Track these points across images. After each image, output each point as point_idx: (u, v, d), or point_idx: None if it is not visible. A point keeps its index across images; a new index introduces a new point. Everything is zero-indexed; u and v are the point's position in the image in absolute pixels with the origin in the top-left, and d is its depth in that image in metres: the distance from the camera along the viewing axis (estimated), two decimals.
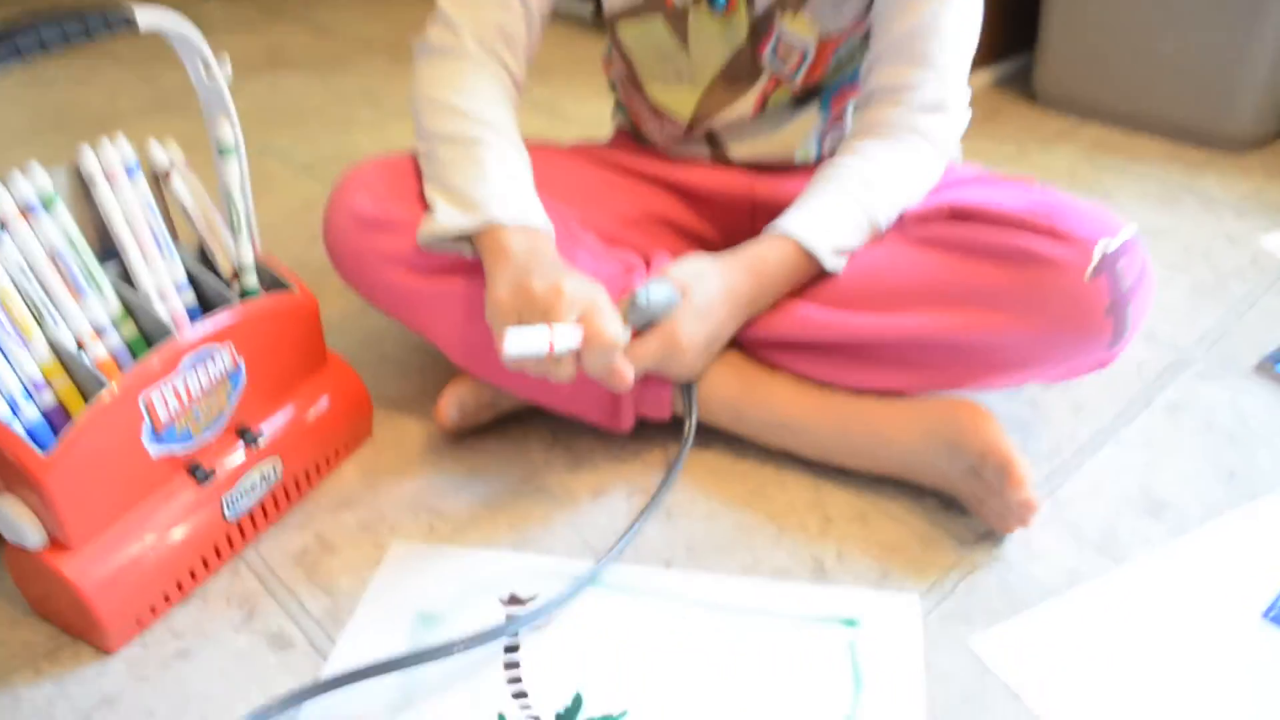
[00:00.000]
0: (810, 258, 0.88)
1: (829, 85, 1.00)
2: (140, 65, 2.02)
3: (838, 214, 0.89)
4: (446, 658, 0.74)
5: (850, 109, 1.03)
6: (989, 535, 0.88)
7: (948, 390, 0.89)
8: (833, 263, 0.88)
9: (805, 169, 1.03)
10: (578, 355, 0.77)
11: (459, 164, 0.88)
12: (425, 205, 0.90)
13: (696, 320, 0.85)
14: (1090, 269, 0.79)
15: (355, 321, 1.18)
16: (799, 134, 1.01)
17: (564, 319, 0.76)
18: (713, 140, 1.03)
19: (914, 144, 0.92)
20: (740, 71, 0.97)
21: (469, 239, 0.86)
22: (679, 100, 0.99)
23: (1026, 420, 1.01)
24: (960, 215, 0.87)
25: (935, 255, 0.86)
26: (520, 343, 0.74)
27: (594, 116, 1.20)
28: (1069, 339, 0.82)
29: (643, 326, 0.84)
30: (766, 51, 0.96)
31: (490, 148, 0.88)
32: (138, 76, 1.97)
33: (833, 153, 1.02)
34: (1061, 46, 1.71)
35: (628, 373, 0.79)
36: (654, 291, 0.82)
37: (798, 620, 0.80)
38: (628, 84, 1.05)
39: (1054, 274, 0.80)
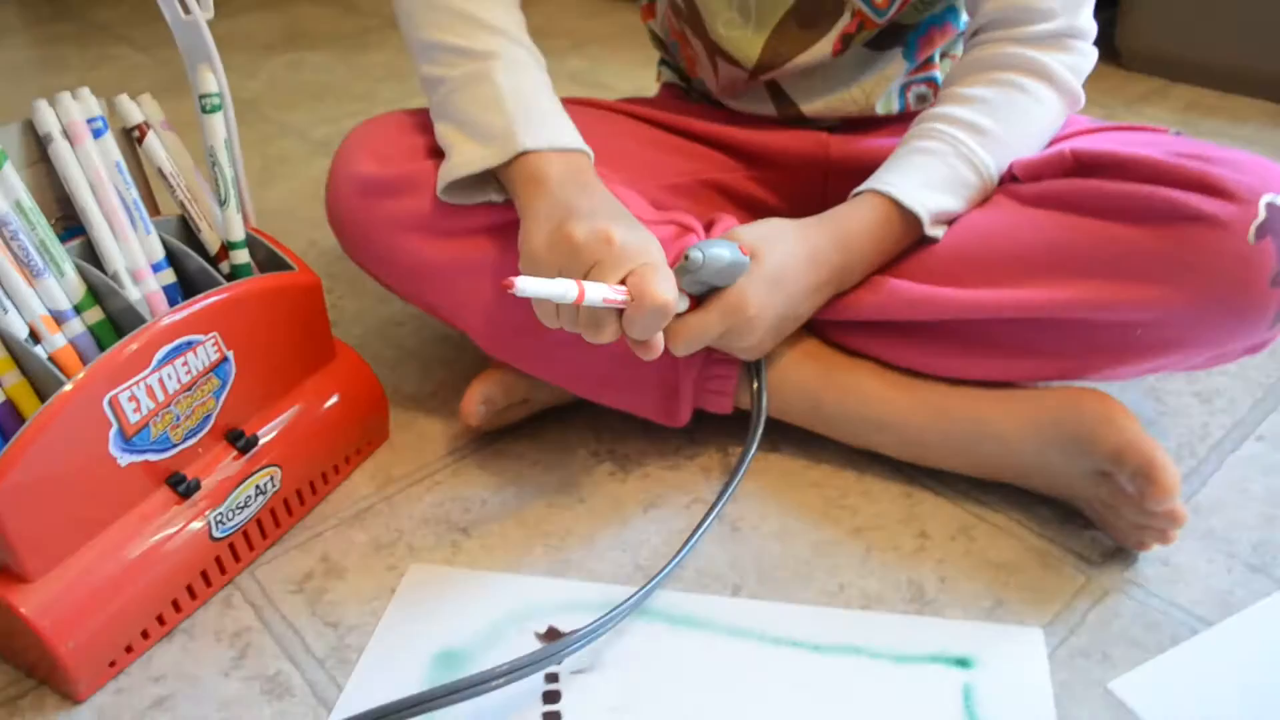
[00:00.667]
0: (909, 222, 0.74)
1: (915, 26, 0.86)
2: (155, 49, 1.92)
3: (941, 170, 0.75)
4: (475, 696, 0.61)
5: (937, 56, 0.89)
6: (1119, 553, 0.73)
7: (1068, 380, 0.75)
8: (934, 229, 0.74)
9: (888, 125, 0.89)
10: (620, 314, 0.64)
11: (470, 88, 0.74)
12: (440, 155, 0.77)
13: (768, 289, 0.71)
14: (1254, 229, 0.65)
15: (371, 310, 1.05)
16: (879, 83, 0.87)
17: (612, 276, 0.63)
18: (777, 94, 0.89)
19: (1034, 88, 0.77)
20: (817, 7, 0.83)
21: (495, 179, 0.74)
22: (744, 41, 0.85)
23: (1147, 413, 0.86)
24: (1087, 166, 0.72)
25: (1056, 216, 0.71)
26: (538, 287, 0.60)
27: (637, 89, 1.06)
28: (1225, 316, 0.67)
29: (703, 294, 0.70)
30: None
31: (504, 61, 0.74)
32: (154, 60, 1.87)
33: (919, 107, 0.87)
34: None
35: (668, 344, 0.67)
36: (712, 251, 0.67)
37: (897, 660, 0.66)
38: (683, 23, 0.90)
39: (1209, 236, 0.65)
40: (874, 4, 0.82)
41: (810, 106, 0.88)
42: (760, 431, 0.77)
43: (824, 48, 0.84)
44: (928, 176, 0.74)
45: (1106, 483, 0.71)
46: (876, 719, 0.62)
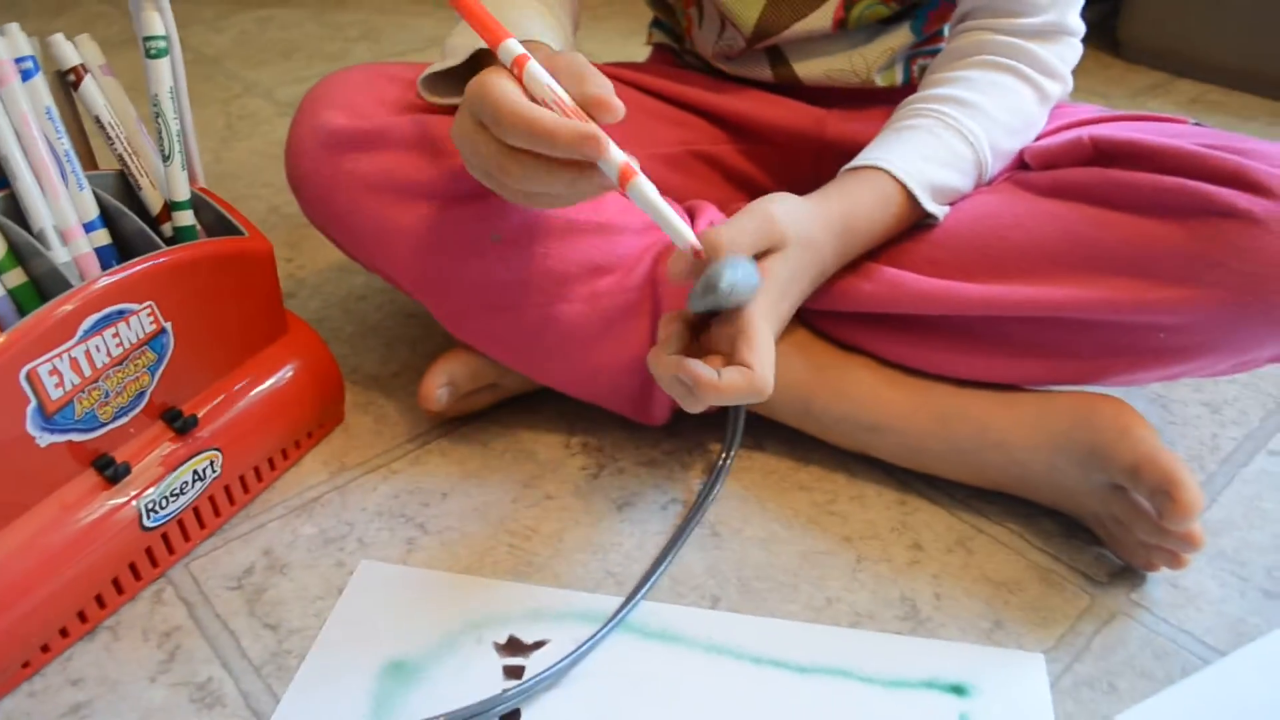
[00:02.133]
0: (909, 201, 0.68)
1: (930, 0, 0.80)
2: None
3: (931, 143, 0.69)
4: None
5: (946, 30, 0.83)
6: (1125, 572, 0.68)
7: (1081, 385, 0.69)
8: (933, 205, 0.68)
9: (888, 103, 0.83)
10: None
11: (466, 30, 0.69)
12: (414, 108, 0.72)
13: (777, 300, 0.63)
14: None
15: (333, 283, 0.98)
16: (882, 54, 0.81)
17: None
18: (775, 55, 0.82)
19: (1018, 69, 0.72)
20: None
21: None
22: (742, 5, 0.78)
23: (1151, 423, 0.81)
24: (1108, 155, 0.66)
25: (1077, 207, 0.66)
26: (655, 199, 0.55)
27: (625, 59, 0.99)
28: (1257, 320, 0.61)
29: (706, 310, 0.61)
30: None
31: (507, 6, 0.68)
32: (120, 10, 1.78)
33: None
34: None
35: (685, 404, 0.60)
36: (740, 274, 0.57)
37: (889, 685, 0.61)
38: None
39: (1244, 233, 0.60)
40: None
41: (806, 71, 0.82)
42: (739, 433, 0.72)
43: (822, 18, 0.77)
44: (920, 151, 0.68)
45: (1120, 498, 0.65)
46: None
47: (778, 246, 0.63)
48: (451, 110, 0.70)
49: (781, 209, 0.64)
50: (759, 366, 0.57)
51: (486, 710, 0.57)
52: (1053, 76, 0.73)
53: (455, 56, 0.67)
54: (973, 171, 0.70)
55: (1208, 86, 1.49)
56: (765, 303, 0.61)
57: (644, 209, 0.56)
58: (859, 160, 0.69)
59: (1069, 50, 0.74)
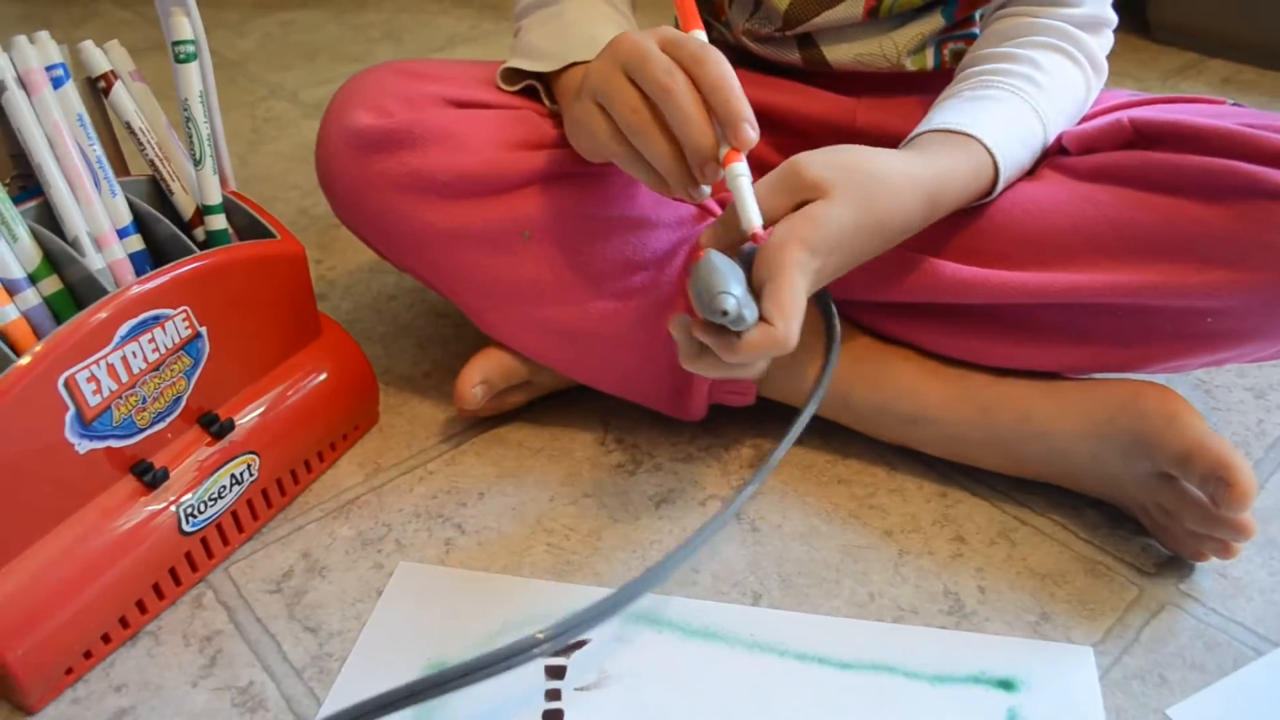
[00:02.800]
0: (993, 176, 0.65)
1: None
2: (143, 6, 1.83)
3: (1016, 121, 0.66)
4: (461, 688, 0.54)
5: (977, 15, 0.81)
6: (1173, 562, 0.67)
7: (1126, 371, 0.68)
8: (1004, 184, 0.66)
9: (919, 91, 0.82)
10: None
11: (538, 27, 0.73)
12: (442, 108, 0.72)
13: (820, 253, 0.57)
14: None
15: (364, 284, 0.98)
16: (913, 38, 0.79)
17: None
18: (804, 39, 0.81)
19: (1072, 52, 0.70)
20: None
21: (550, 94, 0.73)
22: None
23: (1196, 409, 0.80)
24: (1149, 138, 0.65)
25: (1118, 191, 0.64)
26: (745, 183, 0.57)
27: None
28: None
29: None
30: None
31: (576, 5, 0.73)
32: (143, 19, 1.79)
33: (954, 66, 0.80)
34: None
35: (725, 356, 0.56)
36: (749, 312, 0.54)
37: (934, 680, 0.60)
38: None
39: None
40: None
41: (835, 55, 0.80)
42: (824, 390, 0.66)
43: (853, 7, 0.76)
44: (1005, 124, 0.65)
45: (1168, 487, 0.64)
46: None
47: (814, 195, 0.58)
48: (496, 105, 0.72)
49: (820, 158, 0.60)
50: (781, 321, 0.53)
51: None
52: (1096, 66, 0.72)
53: (548, 62, 0.70)
54: (1039, 152, 0.69)
55: (1240, 66, 1.47)
56: (802, 252, 0.56)
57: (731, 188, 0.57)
58: (943, 123, 0.65)
59: (1107, 42, 0.73)
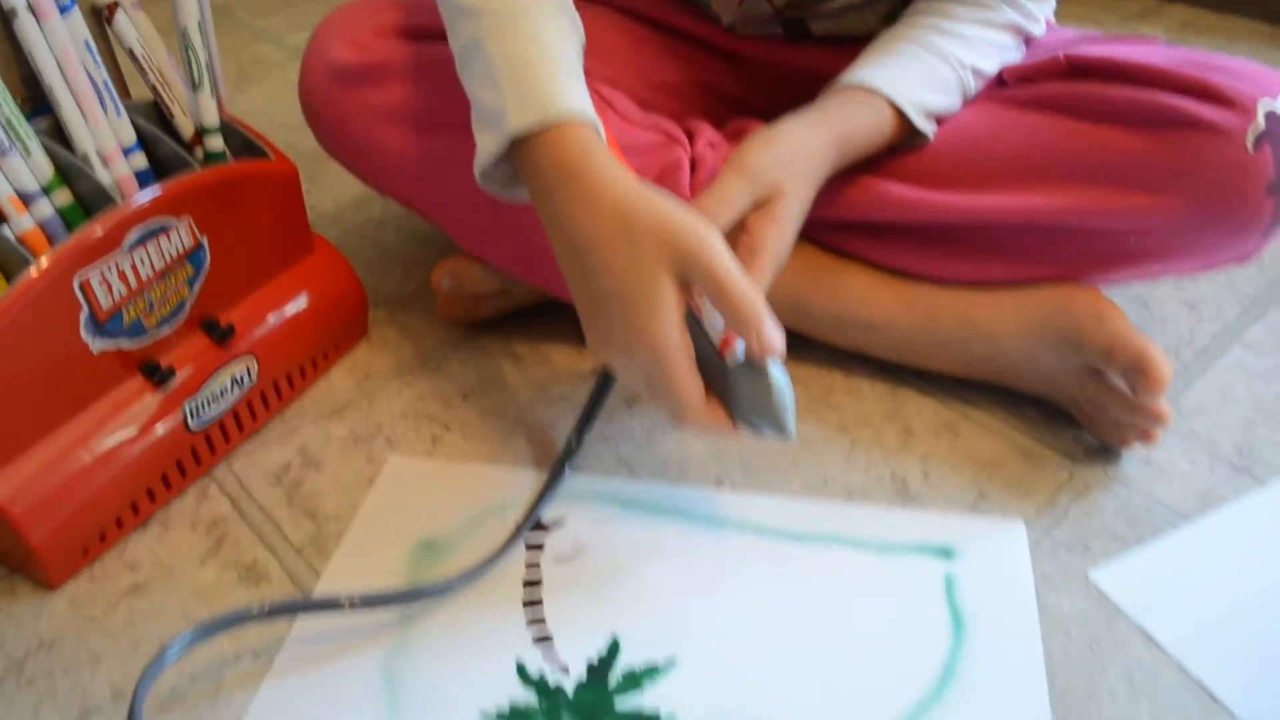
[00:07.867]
0: (899, 123, 0.71)
1: None
2: None
3: (919, 67, 0.73)
4: (444, 594, 0.61)
5: None
6: (1102, 451, 0.73)
7: (1060, 283, 0.74)
8: (924, 124, 0.72)
9: None
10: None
11: (469, 61, 0.63)
12: (415, 40, 0.75)
13: (785, 237, 0.64)
14: (1252, 137, 0.63)
15: (350, 211, 1.03)
16: (889, 5, 0.84)
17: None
18: (792, 23, 0.85)
19: (996, 6, 0.75)
20: None
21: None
22: None
23: (1134, 320, 0.84)
24: (1082, 70, 0.70)
25: (1050, 119, 0.70)
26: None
27: None
28: (1219, 223, 0.65)
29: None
30: None
31: (490, 19, 0.62)
32: None
33: None
34: None
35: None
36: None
37: (880, 550, 0.66)
38: None
39: (1207, 141, 0.64)
40: None
41: (820, 27, 0.85)
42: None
43: None
44: (908, 71, 0.72)
45: (1096, 380, 0.70)
46: (859, 608, 0.62)
47: (774, 196, 0.64)
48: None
49: (769, 157, 0.65)
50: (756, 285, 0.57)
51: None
52: (1027, 20, 0.77)
53: (482, 160, 0.62)
54: (957, 92, 0.74)
55: (1199, 10, 1.51)
56: (777, 235, 0.63)
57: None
58: (852, 79, 0.72)
59: (1039, 10, 0.78)
